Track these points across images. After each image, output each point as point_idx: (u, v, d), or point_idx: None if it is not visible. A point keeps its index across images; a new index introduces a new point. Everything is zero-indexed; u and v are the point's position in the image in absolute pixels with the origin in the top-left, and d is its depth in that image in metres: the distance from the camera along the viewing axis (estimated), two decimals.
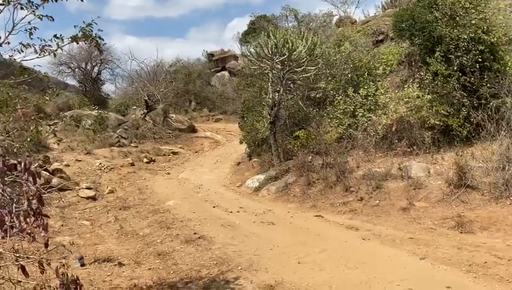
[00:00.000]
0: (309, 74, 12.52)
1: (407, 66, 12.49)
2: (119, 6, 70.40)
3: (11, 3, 3.99)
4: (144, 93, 22.67)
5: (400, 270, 5.37)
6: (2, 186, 2.26)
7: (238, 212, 9.38)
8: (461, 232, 6.64)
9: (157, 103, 22.36)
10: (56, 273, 2.08)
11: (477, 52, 9.99)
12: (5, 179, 2.27)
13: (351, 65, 12.72)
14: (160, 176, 14.80)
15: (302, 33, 13.29)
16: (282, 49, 11.94)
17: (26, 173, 2.18)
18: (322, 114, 12.76)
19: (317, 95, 13.60)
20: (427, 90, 10.34)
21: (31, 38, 4.36)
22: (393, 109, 10.50)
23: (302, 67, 12.26)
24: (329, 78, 12.98)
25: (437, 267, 5.42)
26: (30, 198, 2.17)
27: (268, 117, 12.59)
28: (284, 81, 12.47)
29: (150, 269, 6.22)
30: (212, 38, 72.72)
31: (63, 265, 2.11)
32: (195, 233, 7.75)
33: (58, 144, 13.44)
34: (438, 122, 9.91)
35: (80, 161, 14.26)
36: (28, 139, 5.01)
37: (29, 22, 4.26)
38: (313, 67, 12.39)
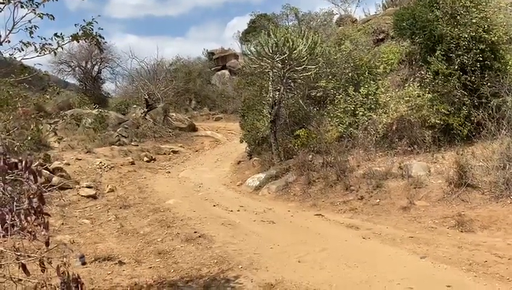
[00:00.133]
0: (309, 73, 12.52)
1: (408, 65, 12.49)
2: (119, 5, 70.40)
3: (12, 1, 3.98)
4: (144, 92, 22.65)
5: (400, 269, 5.37)
6: (2, 184, 2.27)
7: (238, 211, 9.38)
8: (461, 231, 6.64)
9: (157, 101, 22.34)
10: (57, 271, 2.08)
11: (478, 51, 9.99)
12: (6, 177, 2.27)
13: (352, 64, 12.72)
14: (161, 174, 14.80)
15: (302, 32, 13.29)
16: (282, 48, 11.94)
17: (27, 172, 2.19)
18: (323, 113, 12.75)
19: (318, 94, 13.59)
20: (427, 89, 10.34)
21: (32, 37, 4.37)
22: (394, 108, 10.50)
23: (303, 66, 12.25)
24: (330, 77, 12.98)
25: (437, 266, 5.42)
26: (31, 197, 2.17)
27: (269, 116, 12.59)
28: (284, 80, 12.46)
29: (151, 267, 6.22)
30: (213, 37, 72.79)
31: (64, 264, 2.11)
32: (195, 232, 7.75)
33: (58, 143, 13.51)
34: (438, 121, 9.90)
35: (80, 159, 14.26)
36: (29, 138, 5.01)
37: (29, 21, 4.26)
38: (314, 66, 12.39)
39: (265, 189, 11.17)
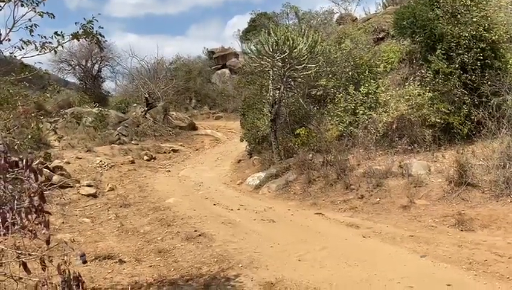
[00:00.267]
0: (310, 72, 12.52)
1: (408, 63, 12.48)
2: (119, 3, 70.30)
3: (12, 0, 3.98)
4: (144, 91, 22.65)
5: (401, 268, 5.37)
6: (3, 183, 2.27)
7: (238, 210, 9.38)
8: (462, 230, 6.64)
9: (157, 100, 22.34)
10: (58, 270, 2.08)
11: (479, 50, 9.98)
12: (7, 176, 2.27)
13: (352, 63, 12.72)
14: (161, 173, 14.81)
15: (302, 31, 13.28)
16: (282, 47, 11.94)
17: (27, 170, 2.19)
18: (323, 112, 12.75)
19: (318, 93, 13.59)
20: (428, 88, 10.34)
21: (32, 35, 4.37)
22: (394, 106, 10.49)
23: (303, 65, 12.25)
24: (330, 76, 12.98)
25: (437, 265, 5.42)
26: (32, 195, 2.17)
27: (269, 115, 12.59)
28: (284, 79, 12.46)
29: (151, 266, 6.22)
30: (213, 36, 72.65)
31: (65, 262, 2.11)
32: (195, 230, 7.75)
33: (59, 142, 13.52)
34: (438, 120, 9.90)
35: (81, 158, 14.26)
36: (29, 137, 5.01)
37: (29, 19, 4.26)
38: (314, 65, 12.39)
39: (265, 188, 11.18)
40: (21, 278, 2.41)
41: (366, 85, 11.84)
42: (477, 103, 9.78)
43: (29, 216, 2.19)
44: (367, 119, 11.03)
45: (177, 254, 6.65)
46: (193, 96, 29.37)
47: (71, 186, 11.49)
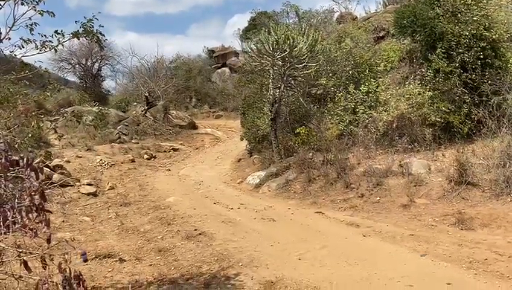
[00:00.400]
0: (310, 71, 12.52)
1: (409, 62, 12.47)
2: (119, 2, 70.22)
3: None
4: (144, 90, 22.65)
5: (401, 267, 5.38)
6: (4, 182, 2.27)
7: (238, 208, 9.39)
8: (462, 229, 6.64)
9: (157, 99, 22.34)
10: (59, 268, 2.08)
11: (479, 48, 9.97)
12: (8, 174, 2.27)
13: (352, 62, 12.71)
14: (161, 172, 14.81)
15: (303, 29, 13.27)
16: (283, 46, 11.93)
17: (28, 169, 2.19)
18: (323, 111, 12.75)
19: (318, 92, 13.58)
20: (428, 87, 10.34)
21: (32, 34, 4.37)
22: (394, 105, 10.49)
23: (303, 64, 12.25)
24: (330, 75, 12.97)
25: (437, 264, 5.42)
26: (32, 194, 2.17)
27: (269, 114, 12.59)
28: (284, 78, 12.46)
29: (151, 265, 6.23)
30: (213, 35, 72.57)
31: (65, 261, 2.12)
32: (195, 229, 7.76)
33: (59, 140, 13.52)
34: (438, 119, 9.90)
35: (81, 157, 14.27)
36: (29, 135, 5.01)
37: (29, 18, 4.26)
38: (314, 64, 12.39)
39: (265, 187, 11.18)
40: (21, 276, 2.41)
41: (367, 84, 11.84)
42: (477, 102, 9.77)
43: (30, 215, 2.19)
44: (367, 118, 11.03)
45: (177, 252, 6.65)
46: (193, 95, 29.35)
47: (71, 185, 11.50)
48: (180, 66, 30.04)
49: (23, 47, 4.35)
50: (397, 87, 11.26)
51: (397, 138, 10.33)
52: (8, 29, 4.12)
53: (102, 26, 4.80)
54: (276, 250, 6.46)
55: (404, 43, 12.97)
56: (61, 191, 10.36)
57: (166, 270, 5.93)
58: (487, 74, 9.89)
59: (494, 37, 10.14)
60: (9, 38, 4.19)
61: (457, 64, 10.12)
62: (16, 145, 4.46)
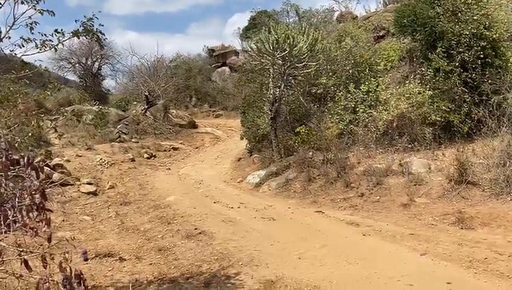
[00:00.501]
0: (310, 70, 12.51)
1: (409, 61, 12.47)
2: (119, 1, 70.27)
3: None
4: (144, 89, 22.64)
5: (401, 266, 5.38)
6: (4, 180, 2.27)
7: (238, 208, 9.39)
8: (462, 228, 6.64)
9: (157, 98, 22.34)
10: (59, 267, 2.09)
11: (479, 48, 9.97)
12: (8, 173, 2.27)
13: (352, 61, 12.71)
14: (161, 171, 14.81)
15: (303, 29, 13.27)
16: (283, 45, 11.92)
17: (29, 168, 2.19)
18: (323, 110, 12.75)
19: (318, 91, 13.58)
20: (428, 86, 10.34)
21: (32, 33, 4.37)
22: (394, 105, 10.49)
23: (303, 63, 12.25)
24: (330, 74, 12.97)
25: (437, 263, 5.43)
26: (33, 193, 2.17)
27: (269, 113, 12.59)
28: (285, 77, 12.45)
29: (151, 264, 6.23)
30: (213, 34, 72.61)
31: (66, 260, 2.12)
32: (196, 228, 7.77)
33: (59, 139, 13.52)
34: (439, 119, 9.90)
35: (81, 156, 14.28)
36: (30, 134, 5.02)
37: (30, 17, 4.26)
38: (314, 63, 12.38)
39: (265, 186, 11.18)
40: (22, 275, 2.42)
41: (367, 83, 11.83)
42: (477, 101, 9.77)
43: (31, 214, 2.19)
44: (367, 118, 11.03)
45: (177, 251, 6.66)
46: (193, 94, 29.34)
47: (71, 184, 11.50)
48: (180, 65, 30.03)
49: (23, 46, 4.36)
50: (397, 87, 11.25)
51: (397, 137, 10.32)
52: (8, 28, 4.12)
53: (102, 25, 4.81)
54: (276, 249, 6.46)
55: (404, 42, 12.97)
56: (62, 190, 10.36)
57: (166, 270, 5.94)
58: (487, 73, 9.89)
59: (494, 36, 10.14)
60: (10, 37, 4.20)
61: (457, 64, 10.12)
62: (16, 144, 4.46)
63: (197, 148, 19.21)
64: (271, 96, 12.54)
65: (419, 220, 7.29)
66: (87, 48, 26.78)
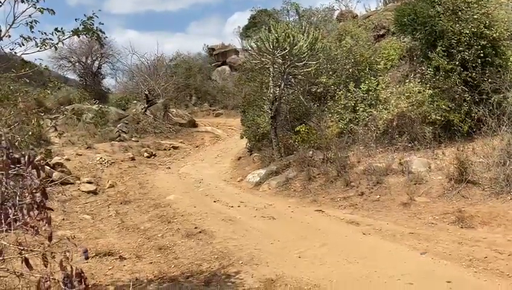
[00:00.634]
0: (310, 69, 12.51)
1: (409, 60, 12.47)
2: (119, 0, 70.12)
3: None
4: (144, 88, 22.62)
5: (401, 265, 5.38)
6: (5, 179, 2.27)
7: (238, 206, 9.39)
8: (462, 227, 6.65)
9: (157, 97, 22.32)
10: (60, 266, 2.09)
11: (479, 47, 9.97)
12: (9, 172, 2.27)
13: (352, 60, 12.70)
14: (161, 170, 14.81)
15: (303, 27, 13.27)
16: (283, 44, 11.91)
17: (29, 167, 2.19)
18: (323, 109, 12.75)
19: (318, 90, 13.57)
20: (428, 85, 10.33)
21: (32, 32, 4.36)
22: (394, 104, 10.48)
23: (303, 62, 12.24)
24: (331, 73, 12.96)
25: (437, 262, 5.43)
26: (34, 191, 2.17)
27: (269, 112, 12.58)
28: (285, 76, 12.45)
29: (151, 263, 6.24)
30: (213, 33, 72.50)
31: (67, 258, 2.12)
32: (196, 227, 7.77)
33: (59, 138, 13.52)
34: (439, 118, 9.90)
35: (81, 155, 14.27)
36: (30, 133, 5.01)
37: (30, 15, 4.25)
38: (314, 62, 12.38)
39: (265, 185, 11.19)
40: (23, 274, 2.42)
41: (367, 82, 11.82)
42: (477, 100, 9.77)
43: (31, 213, 2.19)
44: (367, 117, 11.03)
45: (177, 250, 6.66)
46: (193, 93, 29.32)
47: (71, 183, 11.50)
48: (180, 64, 30.01)
49: (23, 45, 4.35)
50: (397, 86, 11.25)
51: (397, 136, 10.32)
52: (8, 26, 4.12)
53: (103, 24, 4.80)
54: (276, 248, 6.47)
55: (404, 41, 12.96)
56: (62, 189, 10.35)
57: (166, 268, 5.94)
58: (487, 72, 9.89)
59: (494, 35, 10.14)
60: (10, 36, 4.19)
61: (457, 63, 10.11)
62: (17, 143, 4.46)
63: (197, 147, 19.20)
64: (271, 95, 12.53)
65: (419, 219, 7.30)
66: (87, 47, 26.76)
